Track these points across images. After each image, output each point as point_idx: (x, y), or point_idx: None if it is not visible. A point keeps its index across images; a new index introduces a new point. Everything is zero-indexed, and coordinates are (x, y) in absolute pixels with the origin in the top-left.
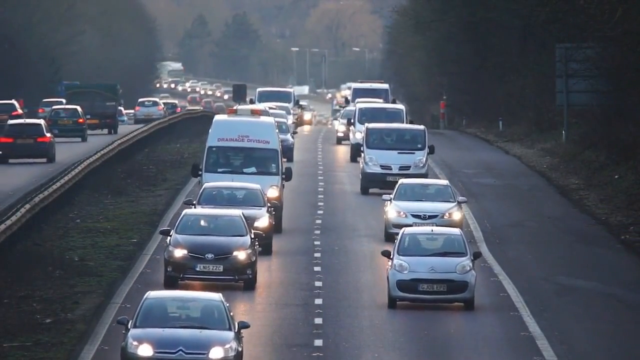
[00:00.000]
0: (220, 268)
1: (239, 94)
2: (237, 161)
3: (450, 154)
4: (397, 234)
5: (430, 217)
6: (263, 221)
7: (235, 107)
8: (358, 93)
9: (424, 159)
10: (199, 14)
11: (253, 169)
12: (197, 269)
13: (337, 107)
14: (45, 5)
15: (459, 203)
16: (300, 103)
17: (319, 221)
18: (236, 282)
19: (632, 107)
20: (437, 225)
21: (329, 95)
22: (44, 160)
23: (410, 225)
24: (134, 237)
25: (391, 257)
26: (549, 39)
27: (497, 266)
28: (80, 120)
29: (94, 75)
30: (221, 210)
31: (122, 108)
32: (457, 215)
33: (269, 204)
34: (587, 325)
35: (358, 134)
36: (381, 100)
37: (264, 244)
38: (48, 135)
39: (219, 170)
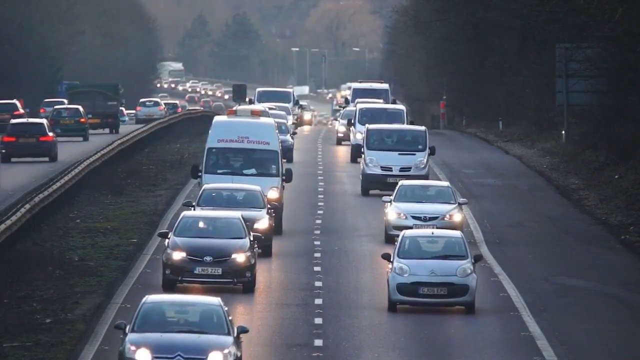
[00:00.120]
0: (219, 271)
1: (239, 94)
2: (237, 162)
3: (450, 154)
4: (397, 235)
5: (431, 218)
6: (263, 223)
7: (235, 108)
8: (358, 93)
9: (425, 160)
10: (199, 14)
11: (253, 171)
12: (196, 272)
13: (337, 107)
14: (45, 5)
15: (460, 204)
16: (300, 103)
17: (319, 221)
18: (235, 285)
19: (632, 107)
20: (437, 227)
21: (330, 95)
22: (47, 159)
23: (411, 227)
24: (134, 237)
25: (391, 260)
26: (549, 39)
27: (497, 266)
28: (82, 120)
29: (94, 75)
30: (220, 212)
31: (123, 108)
32: (457, 217)
33: (268, 206)
34: (587, 325)
35: (358, 135)
36: (381, 101)
37: (263, 246)
38: (50, 134)
39: (219, 171)
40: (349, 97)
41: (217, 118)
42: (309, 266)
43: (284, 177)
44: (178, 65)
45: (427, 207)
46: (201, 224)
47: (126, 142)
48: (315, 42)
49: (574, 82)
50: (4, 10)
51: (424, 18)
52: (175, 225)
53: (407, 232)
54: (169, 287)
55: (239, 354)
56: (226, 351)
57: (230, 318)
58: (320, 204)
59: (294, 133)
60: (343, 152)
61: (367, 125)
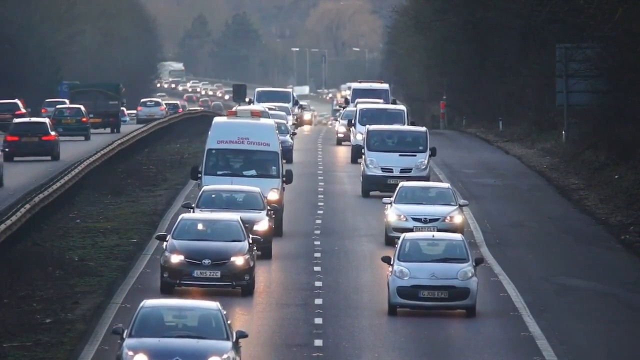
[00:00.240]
0: (218, 274)
1: (239, 94)
2: (237, 164)
3: (450, 154)
4: (398, 237)
5: (431, 220)
6: (263, 224)
7: (234, 109)
8: (358, 93)
9: (426, 161)
10: (199, 14)
11: (253, 172)
12: (194, 275)
13: (337, 107)
14: (45, 5)
15: (460, 206)
16: (300, 103)
17: (318, 221)
18: (234, 288)
19: (632, 107)
20: (438, 229)
21: (330, 95)
22: (49, 158)
23: (411, 229)
24: (134, 237)
25: (391, 262)
26: (549, 39)
27: (497, 266)
28: (84, 120)
29: (94, 75)
30: (218, 214)
31: (124, 108)
32: (458, 219)
33: (268, 207)
34: (587, 325)
35: (359, 135)
36: (381, 101)
37: (263, 248)
38: (53, 133)
39: (219, 172)
40: (349, 97)
41: (216, 119)
42: (309, 266)
43: (284, 179)
44: (179, 65)
45: (427, 208)
46: (199, 227)
47: (126, 142)
48: (315, 42)
49: (574, 82)
50: (4, 10)
51: (424, 18)
52: (173, 228)
53: (408, 235)
54: (168, 290)
55: (237, 359)
56: (225, 356)
57: (229, 322)
58: (320, 204)
59: (294, 133)
60: (343, 153)
61: (367, 126)
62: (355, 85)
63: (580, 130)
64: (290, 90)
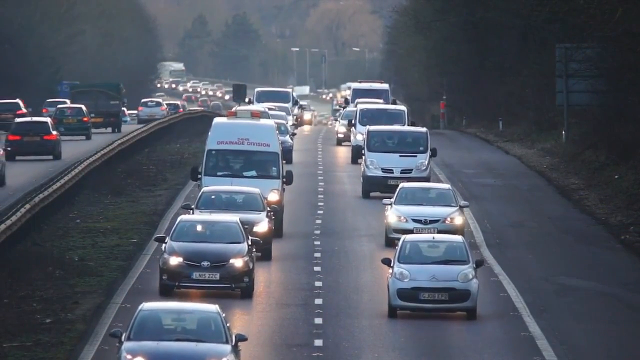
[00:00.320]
0: (217, 276)
1: (239, 94)
2: (237, 164)
3: (450, 154)
4: (398, 238)
5: (432, 221)
6: (262, 226)
7: (234, 110)
8: (358, 93)
9: (426, 162)
10: (199, 14)
11: (253, 173)
12: (193, 277)
13: (337, 107)
14: (45, 5)
15: (461, 207)
16: (300, 103)
17: (318, 221)
18: (233, 290)
19: (632, 107)
20: (438, 230)
21: (330, 95)
22: (51, 157)
23: (411, 230)
24: (134, 237)
25: (391, 265)
26: (549, 39)
27: (497, 266)
28: (85, 119)
29: (94, 75)
30: (217, 216)
31: (125, 109)
32: (458, 220)
33: (268, 208)
34: (587, 325)
35: (359, 136)
36: (381, 101)
37: (263, 249)
38: (54, 133)
39: (219, 173)
40: (349, 97)
41: (216, 120)
42: (309, 266)
43: (284, 180)
44: (179, 66)
45: (427, 209)
46: (198, 228)
47: (126, 142)
48: (315, 42)
49: (574, 82)
50: (4, 10)
51: (424, 18)
52: (172, 229)
53: (408, 237)
54: (166, 292)
55: None
56: None
57: (228, 325)
58: (320, 204)
59: (293, 134)
60: (343, 153)
61: (367, 126)
62: (355, 85)
63: (580, 130)
64: (289, 90)
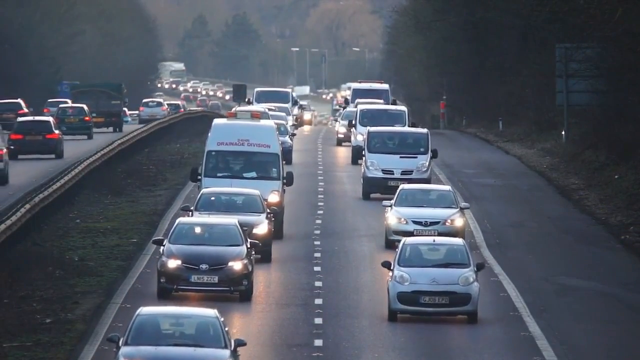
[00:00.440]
0: (215, 279)
1: (239, 94)
2: (237, 166)
3: (450, 154)
4: (398, 240)
5: (432, 223)
6: (262, 228)
7: (234, 110)
8: (358, 93)
9: (427, 163)
10: (199, 14)
11: (253, 174)
12: (192, 280)
13: (337, 107)
14: (45, 5)
15: (462, 209)
16: (300, 103)
17: (318, 222)
18: (232, 293)
19: (632, 107)
20: (438, 232)
21: (330, 95)
22: (53, 156)
23: (411, 232)
24: (134, 237)
25: (392, 268)
26: (549, 39)
27: (497, 266)
28: (87, 119)
29: (94, 75)
30: (216, 219)
31: (126, 109)
32: (459, 222)
33: (268, 210)
34: (587, 325)
35: (359, 136)
36: (381, 101)
37: (263, 251)
38: (56, 132)
39: (219, 175)
40: (349, 98)
41: (216, 121)
42: (309, 266)
43: (284, 181)
44: (180, 66)
45: (428, 211)
46: (197, 231)
47: (126, 142)
48: (315, 42)
49: (574, 82)
50: (4, 10)
51: (424, 18)
52: (170, 232)
53: (408, 240)
54: (165, 295)
55: None
56: None
57: (226, 329)
58: (320, 204)
59: (293, 134)
60: (343, 153)
61: (368, 127)
62: (355, 85)
63: (580, 130)
64: (289, 90)
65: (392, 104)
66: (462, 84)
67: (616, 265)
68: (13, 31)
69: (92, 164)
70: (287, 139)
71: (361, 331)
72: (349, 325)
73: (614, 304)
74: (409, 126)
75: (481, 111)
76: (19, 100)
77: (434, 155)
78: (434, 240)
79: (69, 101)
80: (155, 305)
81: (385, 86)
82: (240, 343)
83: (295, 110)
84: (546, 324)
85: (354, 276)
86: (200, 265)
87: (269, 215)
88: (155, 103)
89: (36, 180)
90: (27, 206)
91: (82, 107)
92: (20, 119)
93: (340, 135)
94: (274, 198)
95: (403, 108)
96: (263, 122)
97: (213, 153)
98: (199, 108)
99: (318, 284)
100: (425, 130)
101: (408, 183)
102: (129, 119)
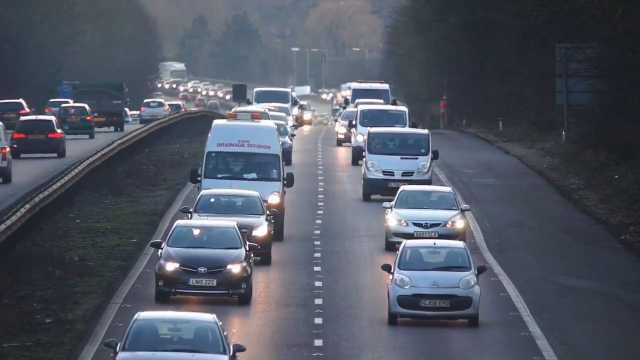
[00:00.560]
0: (214, 282)
1: (239, 94)
2: (237, 167)
3: (450, 154)
4: (398, 242)
5: (432, 225)
6: (262, 230)
7: (233, 111)
8: (358, 94)
9: (428, 165)
10: (199, 14)
11: (254, 175)
12: (190, 284)
13: (337, 107)
14: (45, 5)
15: (462, 211)
16: (300, 103)
17: (318, 222)
18: (230, 296)
19: (632, 107)
20: (439, 234)
21: (330, 95)
22: (55, 155)
23: (412, 234)
24: (134, 237)
25: (392, 271)
26: (549, 39)
27: (497, 266)
28: (88, 118)
29: (94, 75)
30: (214, 221)
31: (127, 109)
32: (460, 224)
33: (267, 212)
34: (587, 325)
35: (360, 137)
36: (381, 101)
37: (262, 254)
38: (59, 131)
39: (219, 176)
40: (349, 98)
41: (216, 122)
42: (309, 266)
43: (285, 182)
44: (180, 66)
45: (428, 213)
46: (195, 234)
47: (126, 142)
48: (315, 42)
49: (574, 82)
50: (4, 10)
51: (424, 18)
52: (169, 235)
53: (408, 243)
54: (162, 299)
55: None
56: None
57: (225, 334)
58: (320, 204)
59: (293, 135)
60: (343, 154)
61: (368, 128)
62: (355, 85)
63: (580, 130)
64: (289, 90)
65: (392, 104)
66: (462, 84)
67: (616, 265)
68: (13, 31)
69: (92, 164)
70: (286, 139)
71: (361, 331)
72: (349, 325)
73: (614, 304)
74: (409, 127)
75: (481, 111)
76: (21, 100)
77: (435, 156)
78: (434, 243)
79: (70, 101)
80: (153, 308)
81: (386, 86)
82: (239, 348)
83: (295, 111)
84: (546, 324)
85: (354, 276)
86: (199, 269)
87: (268, 217)
88: (156, 103)
89: (36, 180)
90: (27, 206)
91: (84, 107)
92: (22, 118)
93: (341, 136)
94: (274, 199)
95: (404, 108)
96: (263, 122)
97: (213, 154)
98: (198, 108)
99: (318, 284)
100: (426, 131)
101: (409, 184)
102: (130, 119)
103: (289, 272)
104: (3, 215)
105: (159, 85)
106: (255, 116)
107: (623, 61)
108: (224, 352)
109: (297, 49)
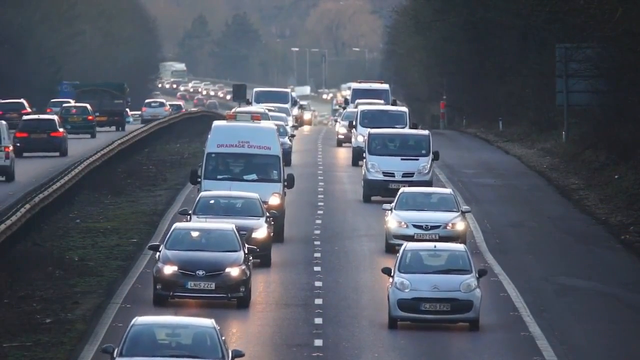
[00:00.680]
0: (212, 285)
1: (239, 94)
2: (238, 168)
3: (450, 154)
4: (398, 245)
5: (433, 227)
6: (261, 232)
7: (233, 111)
8: (358, 94)
9: (428, 166)
10: (199, 14)
11: (254, 176)
12: (188, 287)
13: (337, 107)
14: (45, 6)
15: (463, 212)
16: (300, 103)
17: (319, 222)
18: (229, 300)
19: (632, 107)
20: (439, 236)
21: (330, 95)
22: (57, 154)
23: (412, 236)
24: (134, 237)
25: (392, 274)
26: (549, 39)
27: (497, 266)
28: (90, 118)
29: (94, 75)
30: (213, 224)
31: (128, 109)
32: (460, 226)
33: (267, 214)
34: (587, 325)
35: (360, 137)
36: (381, 101)
37: (262, 256)
38: (61, 130)
39: (219, 177)
40: (349, 98)
41: (216, 123)
42: (309, 266)
43: (285, 183)
44: (181, 66)
45: (428, 215)
46: (193, 236)
47: (126, 142)
48: (315, 42)
49: (574, 82)
50: (4, 11)
51: (424, 18)
52: (167, 237)
53: (409, 245)
54: (161, 302)
55: None
56: None
57: (223, 339)
58: (320, 204)
59: (292, 136)
60: (343, 154)
61: (369, 129)
62: (355, 85)
63: (580, 130)
64: (288, 90)
65: (392, 104)
66: (462, 84)
67: (616, 265)
68: (13, 31)
69: (92, 164)
70: (286, 140)
71: (361, 331)
72: (349, 325)
73: (614, 304)
74: (410, 127)
75: (481, 111)
76: (22, 100)
77: (436, 157)
78: (435, 246)
79: (71, 101)
80: (152, 311)
81: (386, 86)
82: (237, 354)
83: (295, 111)
84: (546, 324)
85: (354, 276)
86: (197, 272)
87: (268, 219)
88: (157, 103)
89: (36, 180)
90: (27, 206)
91: (86, 107)
92: (25, 117)
93: (341, 136)
94: (274, 201)
95: (404, 109)
96: (263, 123)
97: (213, 155)
98: (197, 108)
99: (318, 284)
100: (426, 132)
101: (409, 186)
102: (131, 119)
103: (289, 272)
104: (3, 215)
105: (159, 86)
106: (256, 117)
107: (623, 61)
108: (223, 358)
109: (297, 49)
